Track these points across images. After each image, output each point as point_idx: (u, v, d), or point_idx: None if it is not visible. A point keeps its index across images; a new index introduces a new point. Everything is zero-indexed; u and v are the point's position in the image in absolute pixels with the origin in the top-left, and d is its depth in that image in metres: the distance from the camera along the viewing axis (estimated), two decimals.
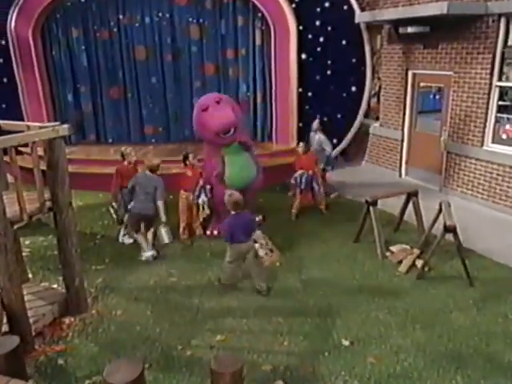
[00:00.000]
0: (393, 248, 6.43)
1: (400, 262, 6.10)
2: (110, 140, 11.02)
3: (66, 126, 4.55)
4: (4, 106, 10.45)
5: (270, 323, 4.89)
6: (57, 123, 4.54)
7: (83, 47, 10.41)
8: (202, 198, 6.67)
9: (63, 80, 10.61)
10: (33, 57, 10.03)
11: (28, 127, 4.73)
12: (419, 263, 5.93)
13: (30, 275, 5.97)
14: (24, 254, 6.55)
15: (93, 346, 4.56)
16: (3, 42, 9.98)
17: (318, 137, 8.63)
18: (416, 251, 6.22)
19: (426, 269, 5.80)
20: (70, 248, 4.85)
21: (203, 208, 6.72)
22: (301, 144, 7.92)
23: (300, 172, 7.68)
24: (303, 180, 7.62)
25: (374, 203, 6.33)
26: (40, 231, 7.05)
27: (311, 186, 7.72)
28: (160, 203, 6.19)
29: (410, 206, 6.79)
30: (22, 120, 10.17)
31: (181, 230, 6.87)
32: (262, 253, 6.01)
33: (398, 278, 5.77)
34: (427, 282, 5.61)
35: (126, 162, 6.82)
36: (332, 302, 5.27)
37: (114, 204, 6.83)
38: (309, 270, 6.02)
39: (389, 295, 5.38)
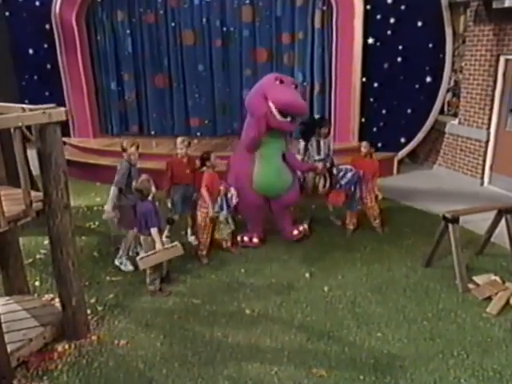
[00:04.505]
0: (477, 279, 4.99)
1: (488, 298, 4.67)
2: (153, 132, 10.24)
3: (61, 109, 3.65)
4: (47, 93, 9.96)
5: (308, 376, 3.71)
6: (50, 105, 3.64)
7: (128, 31, 9.66)
8: (223, 213, 5.45)
9: (106, 67, 9.92)
10: (76, 42, 9.41)
11: (24, 110, 3.88)
12: None
13: (38, 283, 5.23)
14: (38, 256, 5.90)
15: None
16: (47, 27, 9.50)
17: (327, 143, 6.64)
18: (510, 286, 4.77)
19: None
20: (66, 260, 3.95)
21: (227, 221, 5.56)
22: (364, 143, 6.29)
23: (349, 167, 6.09)
24: (348, 176, 6.00)
25: (455, 220, 4.91)
26: None
27: (354, 188, 6.05)
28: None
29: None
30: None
31: (201, 246, 5.69)
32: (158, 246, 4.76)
33: (486, 322, 4.34)
34: None
35: (180, 155, 6.01)
36: (393, 351, 4.00)
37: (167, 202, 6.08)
38: (364, 302, 4.74)
39: (473, 347, 4.00)
